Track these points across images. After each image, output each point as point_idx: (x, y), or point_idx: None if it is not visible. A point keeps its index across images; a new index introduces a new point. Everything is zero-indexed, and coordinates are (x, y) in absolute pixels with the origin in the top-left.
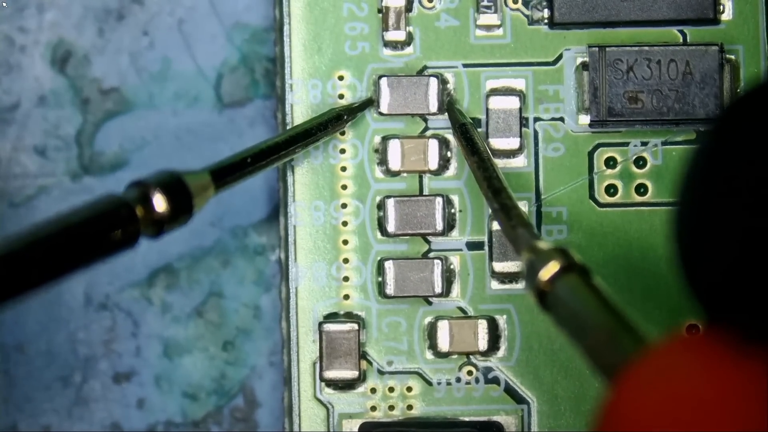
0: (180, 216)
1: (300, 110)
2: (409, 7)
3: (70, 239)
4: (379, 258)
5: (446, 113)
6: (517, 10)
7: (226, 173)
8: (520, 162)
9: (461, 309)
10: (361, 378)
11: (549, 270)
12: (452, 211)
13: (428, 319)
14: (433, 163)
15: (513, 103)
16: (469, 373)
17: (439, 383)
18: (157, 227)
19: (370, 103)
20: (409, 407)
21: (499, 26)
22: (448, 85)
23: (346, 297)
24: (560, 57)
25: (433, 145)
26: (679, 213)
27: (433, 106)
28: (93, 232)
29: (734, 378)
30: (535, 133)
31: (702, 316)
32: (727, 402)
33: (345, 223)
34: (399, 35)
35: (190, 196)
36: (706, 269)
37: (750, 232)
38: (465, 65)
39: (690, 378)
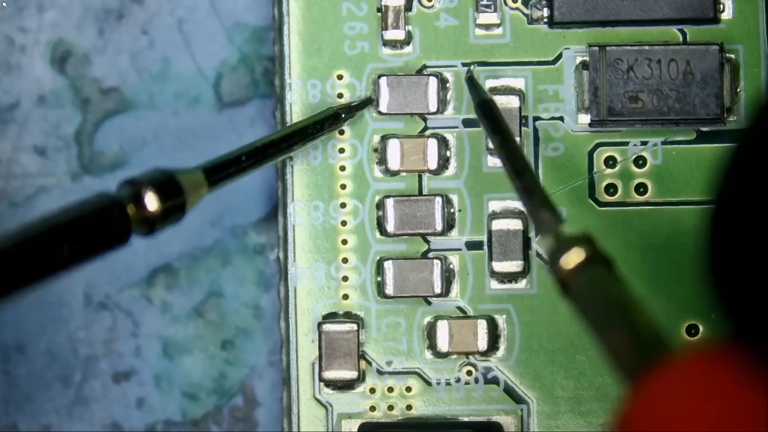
0: (172, 214)
1: (299, 110)
2: (408, 6)
3: (61, 237)
4: (378, 258)
5: (449, 108)
6: (517, 9)
7: (220, 171)
8: None
9: (461, 309)
10: (361, 378)
11: (572, 258)
12: (451, 210)
13: (427, 319)
14: (433, 163)
15: (513, 102)
16: (469, 373)
17: (438, 383)
18: (149, 225)
19: (369, 102)
20: (409, 407)
21: (498, 25)
22: (448, 85)
23: (345, 297)
24: (560, 56)
25: (433, 145)
26: (715, 218)
27: (433, 105)
28: (84, 231)
29: (753, 395)
30: (535, 132)
31: (727, 328)
32: (746, 419)
33: (344, 223)
34: (398, 34)
35: (183, 194)
36: (737, 284)
37: None
38: (464, 64)
39: (711, 393)
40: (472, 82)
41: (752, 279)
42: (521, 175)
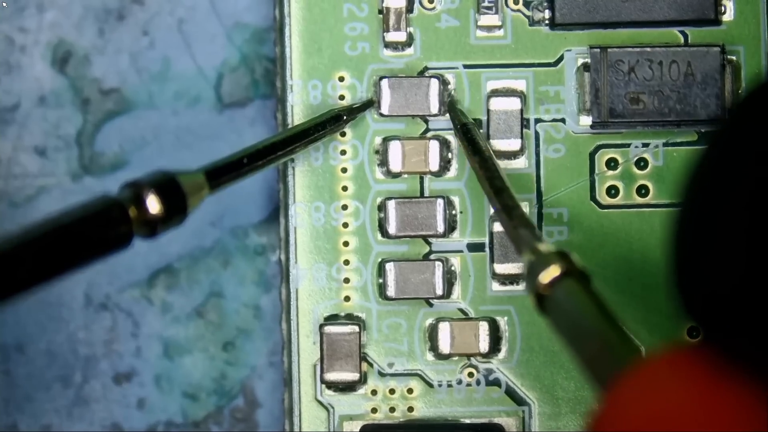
0: (174, 216)
1: (300, 111)
2: (409, 8)
3: (62, 240)
4: (379, 259)
5: (447, 114)
6: (518, 10)
7: (221, 173)
8: (521, 163)
9: (462, 310)
10: (362, 380)
11: (549, 273)
12: (453, 212)
13: (429, 321)
14: (434, 165)
15: (514, 104)
16: (470, 374)
17: (440, 385)
18: (151, 228)
19: (371, 104)
20: (410, 409)
21: (499, 27)
22: (449, 86)
23: (347, 299)
24: (561, 58)
25: (434, 147)
26: (680, 223)
27: (434, 107)
28: (85, 233)
29: (721, 398)
30: (536, 134)
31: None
32: (714, 421)
33: (345, 225)
34: (399, 36)
35: (184, 197)
36: (704, 287)
37: (757, 248)
38: (466, 66)
39: (678, 395)
40: (452, 106)
41: (719, 282)
42: (500, 194)
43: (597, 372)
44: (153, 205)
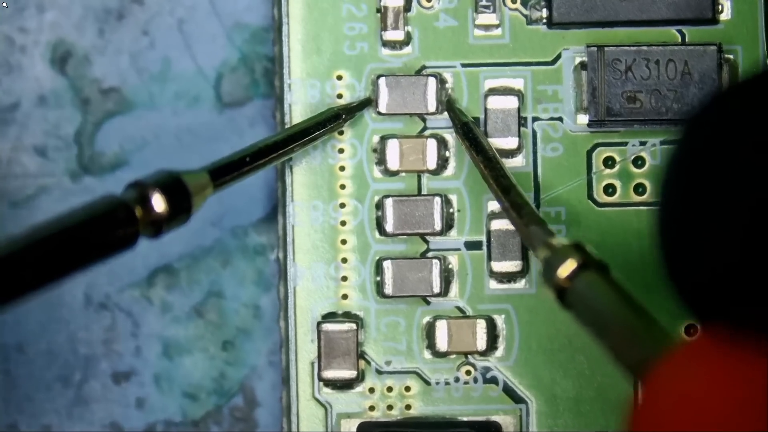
0: (179, 216)
1: (299, 110)
2: (407, 7)
3: (68, 240)
4: (377, 258)
5: (446, 113)
6: (516, 9)
7: (225, 172)
8: (518, 162)
9: (460, 309)
10: (360, 378)
11: (567, 267)
12: (450, 210)
13: (426, 319)
14: (432, 163)
15: (511, 102)
16: (468, 372)
17: (437, 383)
18: (156, 227)
19: (369, 102)
20: (408, 407)
21: (497, 26)
22: (447, 85)
23: (345, 297)
24: (559, 57)
25: (432, 145)
26: (661, 214)
27: (432, 105)
28: (92, 233)
29: (745, 373)
30: (534, 132)
31: (694, 317)
32: (754, 398)
33: (343, 223)
34: (397, 35)
35: (189, 196)
36: (692, 269)
37: (736, 227)
38: (464, 65)
39: (720, 375)
40: (451, 105)
41: (707, 272)
42: (508, 192)
43: (629, 361)
44: (159, 204)
